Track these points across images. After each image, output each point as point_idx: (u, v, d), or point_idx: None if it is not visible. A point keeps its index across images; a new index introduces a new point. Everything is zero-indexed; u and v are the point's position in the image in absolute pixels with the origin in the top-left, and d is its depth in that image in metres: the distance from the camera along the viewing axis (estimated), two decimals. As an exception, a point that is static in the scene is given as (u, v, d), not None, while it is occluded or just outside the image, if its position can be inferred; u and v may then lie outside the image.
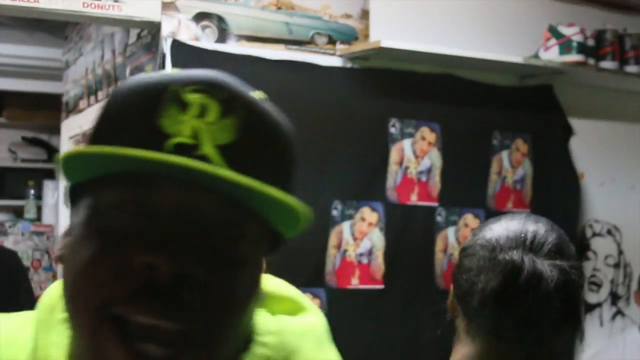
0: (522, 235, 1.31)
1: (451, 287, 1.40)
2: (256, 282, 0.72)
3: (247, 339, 0.78)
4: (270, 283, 0.87)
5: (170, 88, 0.69)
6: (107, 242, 0.66)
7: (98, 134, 0.71)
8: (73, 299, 0.68)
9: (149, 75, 0.73)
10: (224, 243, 0.67)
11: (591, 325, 3.72)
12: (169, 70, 0.74)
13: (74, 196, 0.72)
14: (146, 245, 0.64)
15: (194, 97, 0.68)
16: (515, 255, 1.27)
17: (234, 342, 0.71)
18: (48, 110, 5.00)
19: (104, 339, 0.65)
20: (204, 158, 0.66)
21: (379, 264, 3.09)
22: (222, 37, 2.89)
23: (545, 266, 1.26)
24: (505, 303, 1.25)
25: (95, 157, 0.66)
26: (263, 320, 0.81)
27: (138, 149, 0.63)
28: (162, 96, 0.68)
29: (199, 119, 0.67)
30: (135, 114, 0.68)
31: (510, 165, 3.41)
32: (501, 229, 1.34)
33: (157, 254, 0.63)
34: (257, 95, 0.73)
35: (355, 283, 3.04)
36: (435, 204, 3.22)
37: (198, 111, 0.67)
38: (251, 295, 0.71)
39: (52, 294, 0.81)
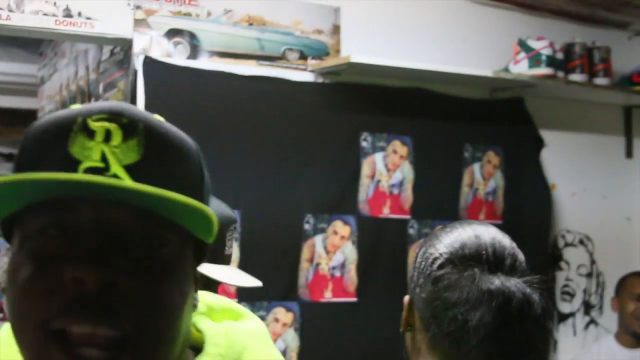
0: (484, 252, 1.30)
1: (406, 301, 1.39)
2: (185, 286, 0.78)
3: (197, 344, 0.86)
4: (208, 297, 0.96)
5: (78, 119, 0.75)
6: (38, 264, 0.72)
7: (16, 169, 0.78)
8: (15, 321, 0.73)
9: (59, 111, 0.80)
10: (145, 251, 0.73)
11: (565, 334, 3.75)
12: (77, 105, 0.80)
13: (7, 231, 0.79)
14: (72, 262, 0.70)
15: (98, 125, 0.75)
16: (499, 282, 1.25)
17: (172, 345, 0.76)
18: (24, 126, 4.94)
19: (48, 350, 0.70)
20: (113, 177, 0.72)
21: (351, 277, 3.11)
22: (194, 53, 2.91)
23: (527, 289, 1.25)
24: (502, 335, 1.24)
25: (10, 185, 0.71)
26: (210, 326, 0.89)
27: (48, 172, 0.70)
28: (71, 127, 0.75)
29: (105, 144, 0.74)
30: (48, 146, 0.75)
31: (482, 177, 3.45)
32: (458, 245, 1.32)
33: (83, 268, 0.69)
34: (156, 118, 0.79)
35: (328, 296, 3.06)
36: (407, 216, 3.25)
37: (103, 137, 0.74)
38: (181, 299, 0.76)
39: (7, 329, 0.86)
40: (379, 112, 3.21)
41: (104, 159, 0.73)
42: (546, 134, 3.69)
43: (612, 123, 3.99)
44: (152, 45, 2.85)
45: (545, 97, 3.64)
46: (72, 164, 0.73)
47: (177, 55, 2.88)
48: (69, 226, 0.73)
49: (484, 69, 3.32)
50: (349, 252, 3.11)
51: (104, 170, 0.72)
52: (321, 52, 3.13)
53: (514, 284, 1.25)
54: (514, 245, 1.36)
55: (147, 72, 2.81)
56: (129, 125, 0.75)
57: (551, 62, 3.40)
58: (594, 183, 3.88)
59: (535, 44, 3.39)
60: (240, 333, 0.90)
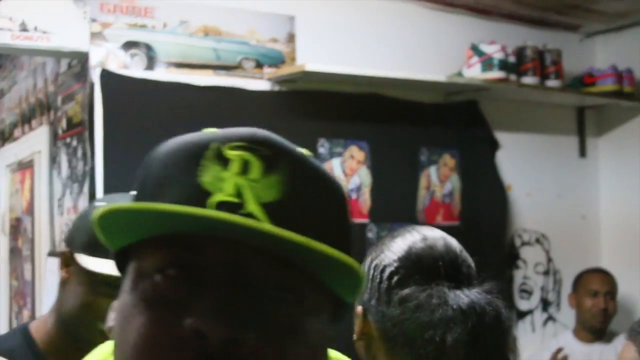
0: (440, 264, 1.30)
1: (359, 311, 1.34)
2: (318, 351, 0.68)
3: None
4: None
5: (212, 145, 0.66)
6: (154, 310, 0.63)
7: (139, 195, 0.69)
8: None
9: (191, 135, 0.70)
10: (276, 307, 0.63)
11: (523, 331, 3.82)
12: (211, 129, 0.71)
13: (120, 263, 0.71)
14: (194, 312, 0.61)
15: (235, 154, 0.66)
16: (468, 299, 1.25)
17: None
18: (-14, 138, 4.99)
19: None
20: (249, 216, 0.62)
21: (312, 281, 3.15)
22: (151, 64, 2.94)
23: (493, 300, 1.27)
24: (477, 349, 1.25)
25: (129, 214, 0.63)
26: None
27: (175, 205, 0.61)
28: (203, 154, 0.66)
29: (242, 176, 0.64)
30: (176, 173, 0.66)
31: (439, 179, 3.51)
32: (414, 257, 1.31)
33: (206, 319, 0.60)
34: (302, 152, 0.70)
35: (289, 301, 3.10)
36: (365, 220, 3.30)
37: (240, 168, 0.65)
38: None
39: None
40: (336, 119, 3.26)
41: (238, 193, 0.63)
42: (501, 136, 3.77)
43: (565, 124, 4.08)
44: (109, 57, 2.87)
45: (499, 99, 3.71)
46: (201, 196, 0.63)
47: (134, 67, 2.90)
48: (192, 268, 0.63)
49: (437, 74, 3.38)
50: (308, 257, 3.14)
51: (237, 207, 0.63)
52: (277, 61, 3.17)
53: (481, 297, 1.26)
54: (462, 247, 1.36)
55: (105, 85, 2.83)
56: (271, 158, 0.66)
57: (503, 65, 3.46)
58: (549, 183, 3.96)
59: (487, 48, 3.46)
60: None
